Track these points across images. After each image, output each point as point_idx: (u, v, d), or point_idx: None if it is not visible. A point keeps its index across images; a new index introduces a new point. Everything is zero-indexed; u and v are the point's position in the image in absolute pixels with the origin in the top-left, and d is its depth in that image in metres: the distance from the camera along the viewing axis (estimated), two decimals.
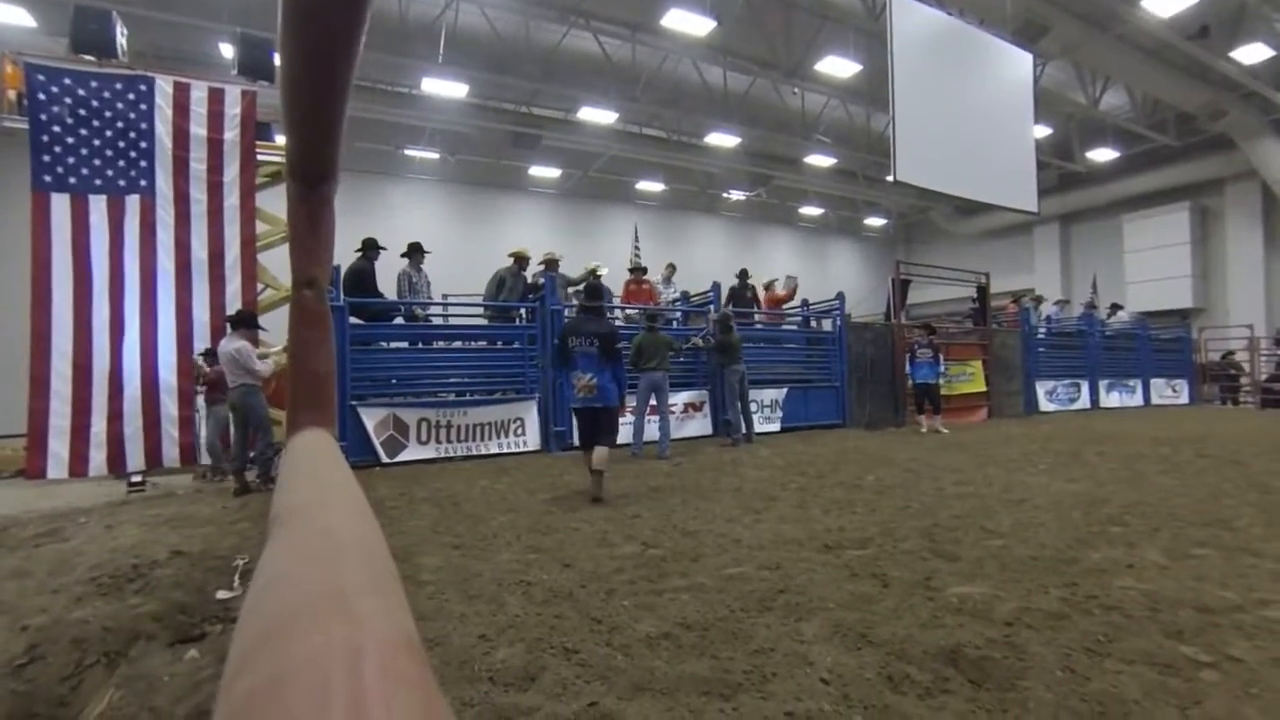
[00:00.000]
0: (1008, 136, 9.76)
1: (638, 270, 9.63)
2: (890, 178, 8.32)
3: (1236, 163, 15.64)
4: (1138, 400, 12.94)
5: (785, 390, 9.06)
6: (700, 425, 8.40)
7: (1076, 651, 2.03)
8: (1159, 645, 2.06)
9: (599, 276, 9.34)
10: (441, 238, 11.10)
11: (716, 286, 9.05)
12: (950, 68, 8.76)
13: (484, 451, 7.04)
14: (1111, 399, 12.57)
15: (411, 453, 6.70)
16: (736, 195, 20.14)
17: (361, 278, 7.19)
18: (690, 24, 11.04)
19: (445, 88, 12.30)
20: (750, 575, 2.84)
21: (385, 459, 6.54)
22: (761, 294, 10.37)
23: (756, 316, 9.89)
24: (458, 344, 8.25)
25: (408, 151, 15.45)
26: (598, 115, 13.98)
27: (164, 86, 6.12)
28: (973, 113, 9.01)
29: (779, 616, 2.37)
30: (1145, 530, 3.43)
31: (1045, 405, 11.55)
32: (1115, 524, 3.58)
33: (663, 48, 12.67)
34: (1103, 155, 17.02)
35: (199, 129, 6.19)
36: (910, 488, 4.77)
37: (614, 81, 13.10)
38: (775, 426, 8.83)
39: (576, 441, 5.69)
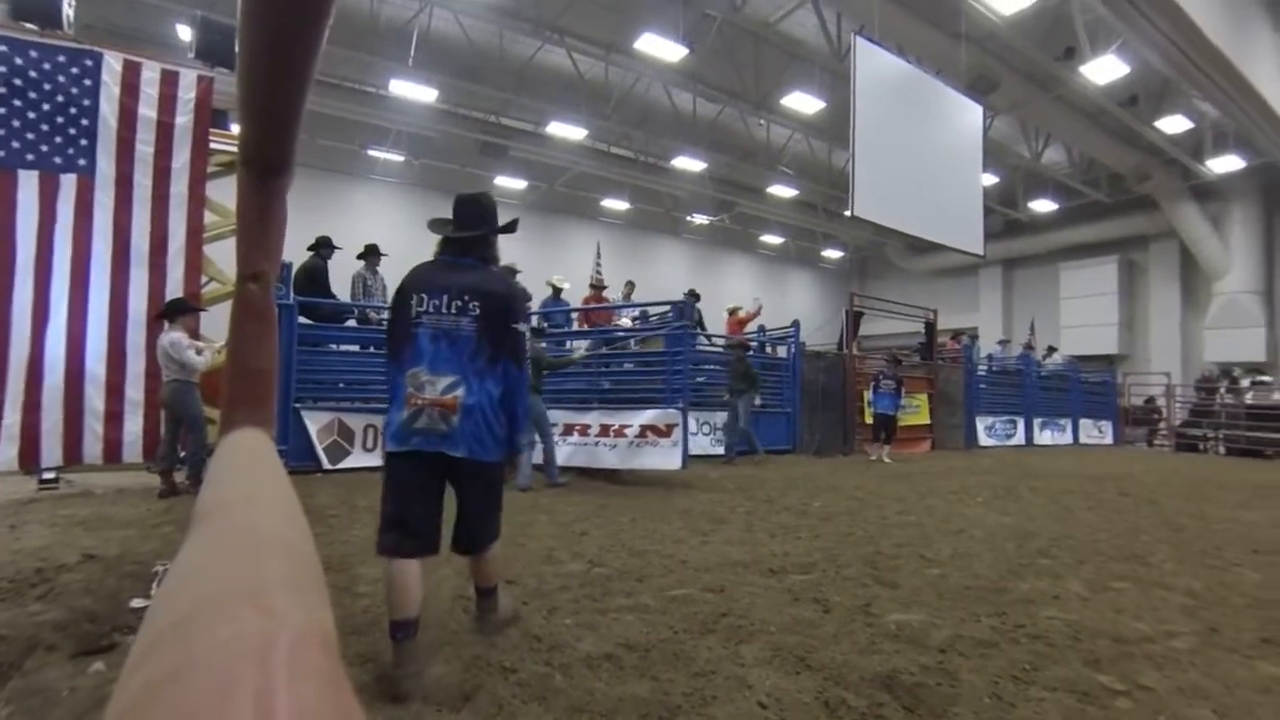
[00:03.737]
0: (958, 182, 10.26)
1: (597, 287, 9.65)
2: (848, 212, 8.61)
3: (1159, 222, 16.83)
4: (1068, 439, 13.60)
5: None
6: (664, 455, 6.15)
7: (1004, 679, 2.10)
8: (1079, 674, 2.15)
9: (559, 290, 9.35)
10: (401, 242, 10.83)
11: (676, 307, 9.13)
12: (908, 112, 9.18)
13: None
14: (1044, 436, 13.18)
15: (356, 459, 6.47)
16: (700, 219, 20.47)
17: (314, 276, 6.97)
18: (663, 49, 11.26)
19: (414, 91, 12.16)
20: (695, 597, 2.84)
21: (328, 465, 6.30)
22: (725, 318, 10.51)
23: (703, 339, 9.97)
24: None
25: (371, 152, 15.17)
26: (567, 130, 14.06)
27: (112, 63, 5.84)
28: (927, 156, 9.44)
29: (721, 639, 2.37)
30: (1071, 563, 3.59)
31: (984, 440, 12.02)
32: (1044, 556, 3.73)
33: (635, 70, 12.87)
34: (1043, 206, 18.06)
35: (149, 111, 5.91)
36: (855, 515, 4.88)
37: (585, 98, 13.21)
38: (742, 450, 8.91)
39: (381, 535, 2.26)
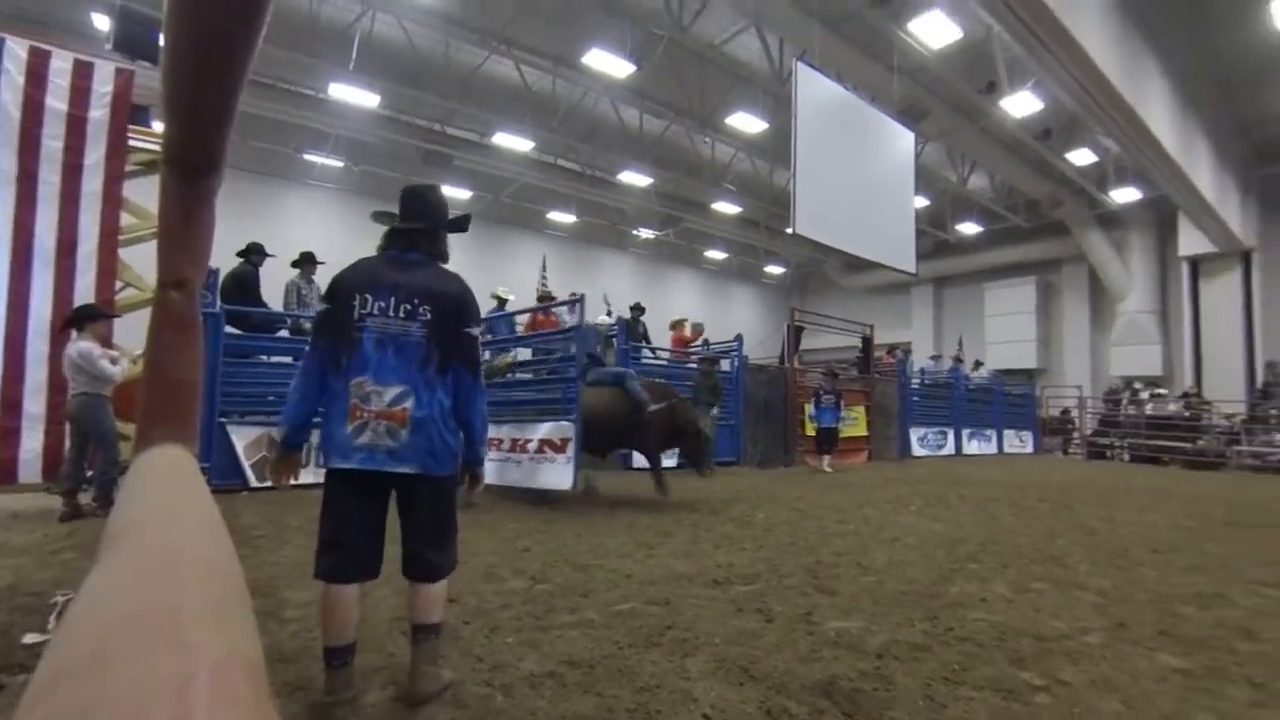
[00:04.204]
0: (892, 203, 10.77)
1: (545, 299, 9.58)
2: (790, 230, 8.89)
3: (1070, 246, 18.13)
4: (993, 448, 14.35)
5: None
6: (557, 473, 5.56)
7: (936, 680, 2.18)
8: (1004, 672, 2.26)
9: (504, 301, 9.23)
10: (339, 250, 10.40)
11: (622, 323, 9.16)
12: (846, 136, 9.59)
13: None
14: (972, 446, 13.86)
15: None
16: (646, 234, 20.69)
17: (243, 284, 6.64)
18: (611, 65, 11.39)
19: (355, 95, 11.83)
20: (640, 611, 2.83)
21: (255, 483, 5.96)
22: (669, 332, 10.63)
23: (646, 352, 10.03)
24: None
25: (308, 156, 14.64)
26: (513, 142, 13.99)
27: (17, 50, 5.42)
28: (864, 178, 9.88)
29: (666, 652, 2.37)
30: (996, 567, 3.77)
31: (917, 450, 12.53)
32: (972, 561, 3.91)
33: (583, 84, 12.95)
34: (969, 228, 19.15)
35: (58, 103, 5.51)
36: (796, 525, 4.98)
37: (532, 110, 13.19)
38: (672, 462, 8.96)
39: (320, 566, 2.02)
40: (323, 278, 7.44)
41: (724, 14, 10.94)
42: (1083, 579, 3.52)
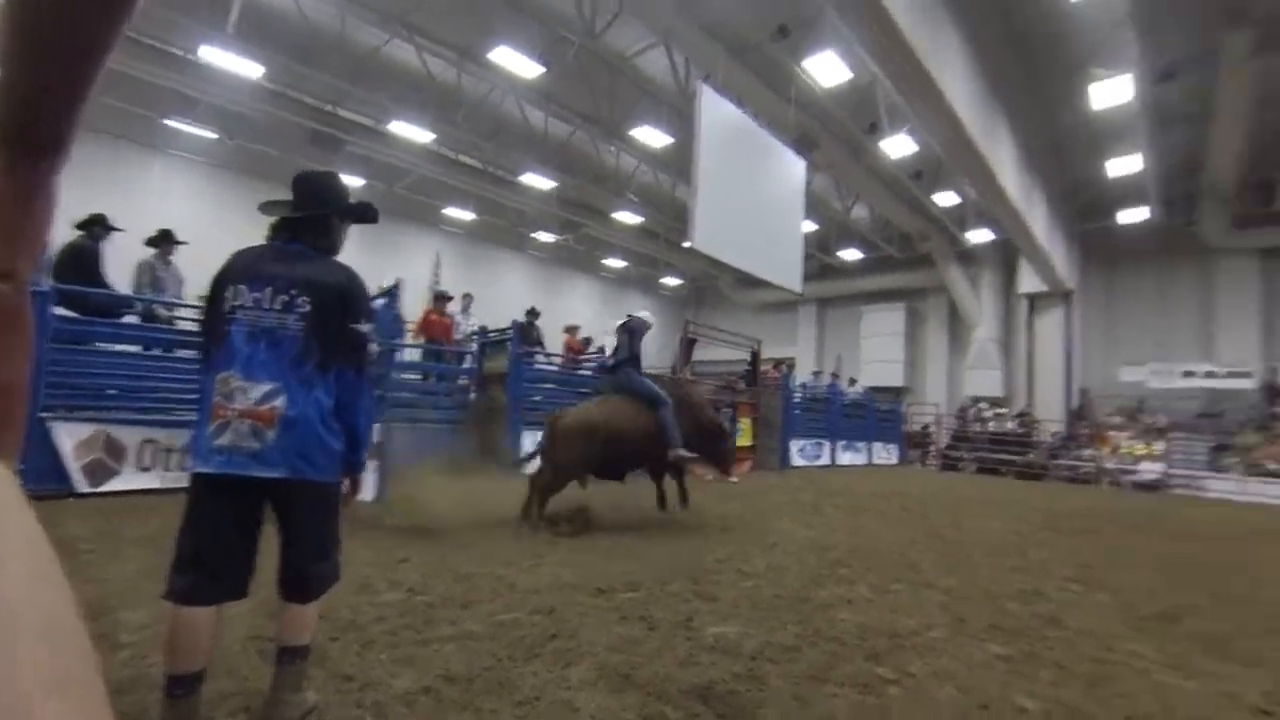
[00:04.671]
0: (783, 226, 11.42)
1: (441, 297, 9.23)
2: (688, 244, 9.18)
3: (935, 278, 20.10)
4: (863, 459, 15.52)
5: None
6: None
7: (804, 680, 2.33)
8: (862, 669, 2.46)
9: (394, 290, 8.79)
10: (207, 229, 9.38)
11: (517, 325, 9.01)
12: (744, 158, 10.06)
13: None
14: (845, 457, 14.92)
15: (127, 481, 5.45)
16: (545, 237, 20.50)
17: (82, 260, 5.83)
18: (519, 64, 11.22)
19: (232, 62, 10.80)
20: (523, 621, 2.79)
21: (84, 488, 5.24)
22: (563, 335, 10.59)
23: (540, 357, 9.98)
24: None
25: (172, 123, 13.15)
26: (412, 131, 13.39)
27: None
28: (758, 200, 10.40)
29: (547, 663, 2.36)
30: (861, 570, 4.09)
31: (797, 460, 13.29)
32: (841, 566, 4.21)
33: (489, 80, 12.65)
34: (851, 255, 20.71)
35: None
36: (680, 532, 5.13)
37: (433, 100, 12.70)
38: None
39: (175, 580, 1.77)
40: (185, 259, 6.70)
41: (635, 28, 11.13)
42: (932, 580, 3.90)
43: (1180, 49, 10.22)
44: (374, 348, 1.93)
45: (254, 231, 2.06)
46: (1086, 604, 3.57)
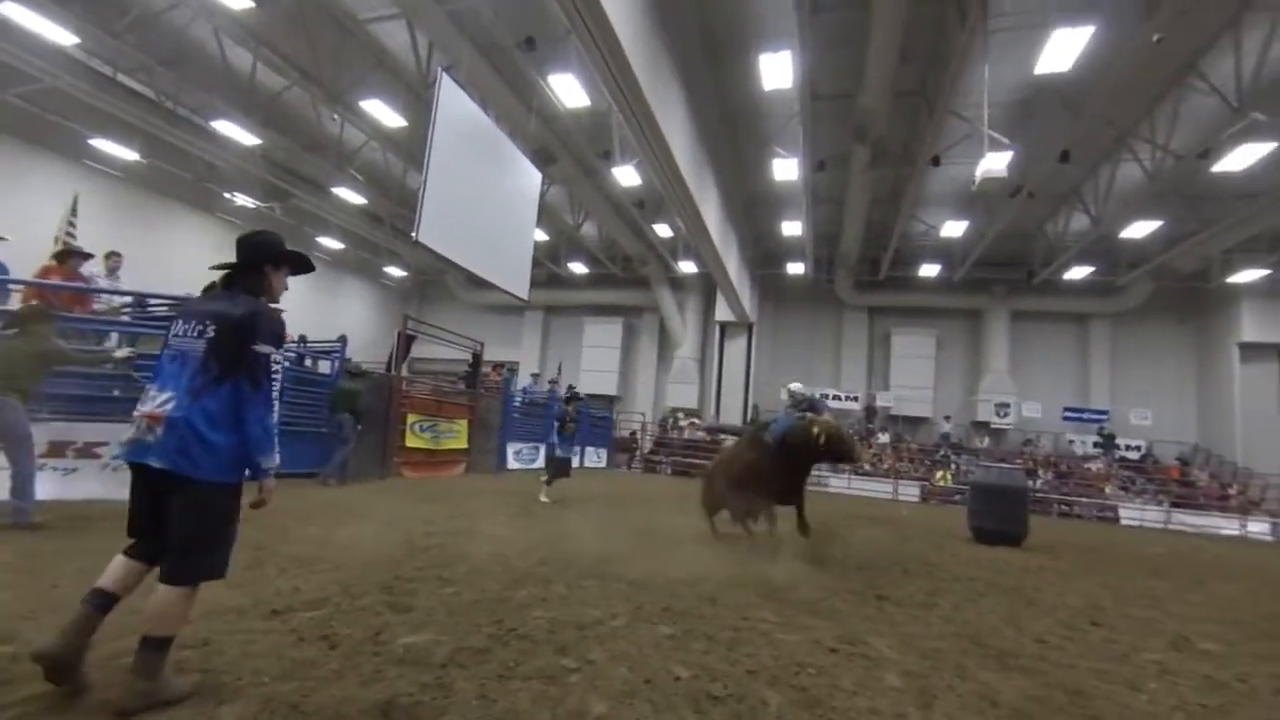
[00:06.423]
0: (514, 231, 11.53)
1: (73, 254, 7.11)
2: (414, 235, 8.65)
3: (650, 299, 22.46)
4: (576, 463, 16.45)
5: None
6: (87, 485, 5.34)
7: (491, 680, 2.38)
8: (549, 661, 2.62)
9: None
10: None
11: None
12: (481, 158, 9.91)
13: None
14: None
15: None
16: (244, 201, 17.35)
17: None
18: None
19: None
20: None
21: None
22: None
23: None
24: None
25: None
26: (41, 25, 10.06)
27: None
28: (491, 202, 10.33)
29: (190, 709, 2.00)
30: (560, 568, 4.33)
31: (512, 464, 13.48)
32: (543, 565, 4.40)
33: None
34: (579, 268, 21.90)
35: None
36: (381, 540, 4.80)
37: None
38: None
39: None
40: None
41: None
42: (621, 572, 4.32)
43: (828, 149, 13.26)
44: (275, 365, 2.16)
45: None
46: (737, 581, 4.33)
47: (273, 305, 2.36)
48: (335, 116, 13.65)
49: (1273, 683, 3.20)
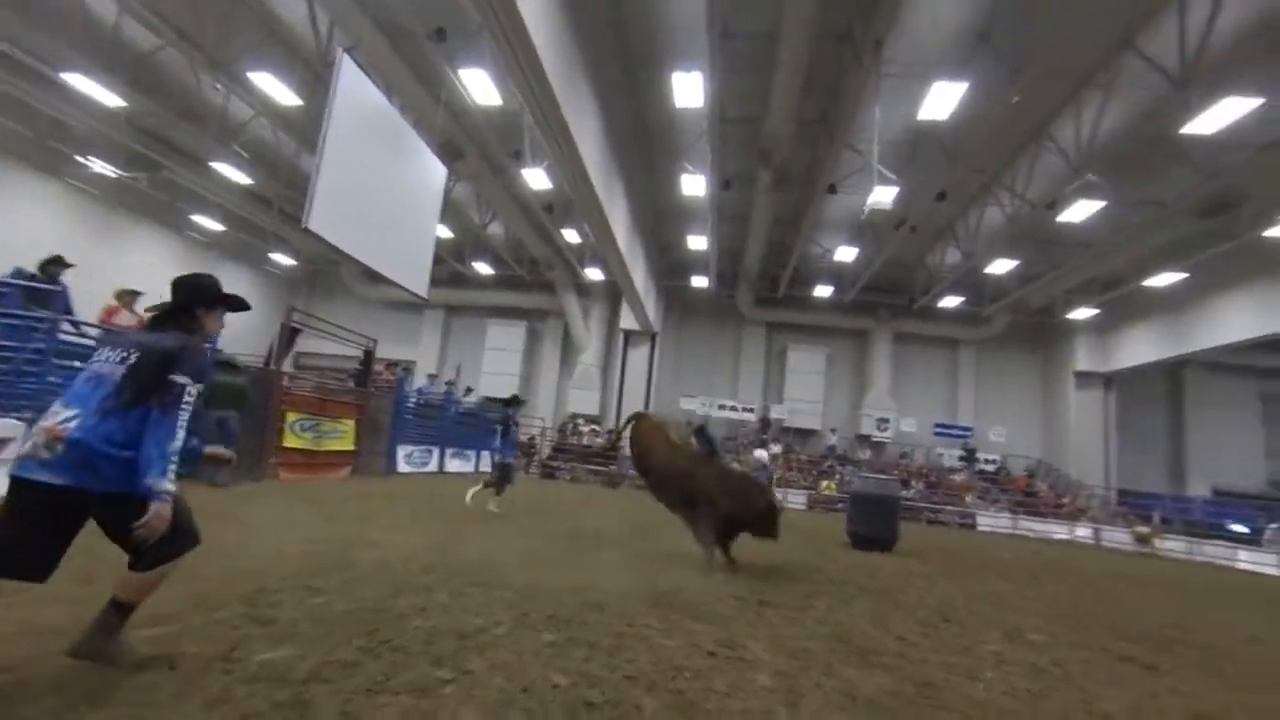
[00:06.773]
0: (415, 226, 11.04)
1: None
2: (304, 222, 8.08)
3: (555, 303, 22.28)
4: (470, 467, 15.96)
5: None
6: None
7: (357, 694, 2.26)
8: (423, 673, 2.51)
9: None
10: None
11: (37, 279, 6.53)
12: (381, 147, 9.42)
13: None
14: (454, 465, 15.09)
15: None
16: (102, 167, 15.47)
17: None
18: None
19: None
20: None
21: None
22: (112, 302, 8.00)
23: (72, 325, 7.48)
24: None
25: None
26: None
27: None
28: (391, 194, 9.84)
29: None
30: (445, 576, 4.18)
31: (403, 466, 12.86)
32: (426, 573, 4.22)
33: None
34: (483, 268, 21.34)
35: None
36: (247, 548, 4.41)
37: None
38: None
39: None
40: None
41: None
42: (506, 579, 4.24)
43: (735, 168, 13.80)
44: (190, 395, 2.20)
45: None
46: (624, 589, 4.37)
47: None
48: (219, 86, 12.52)
49: (1083, 667, 3.66)
